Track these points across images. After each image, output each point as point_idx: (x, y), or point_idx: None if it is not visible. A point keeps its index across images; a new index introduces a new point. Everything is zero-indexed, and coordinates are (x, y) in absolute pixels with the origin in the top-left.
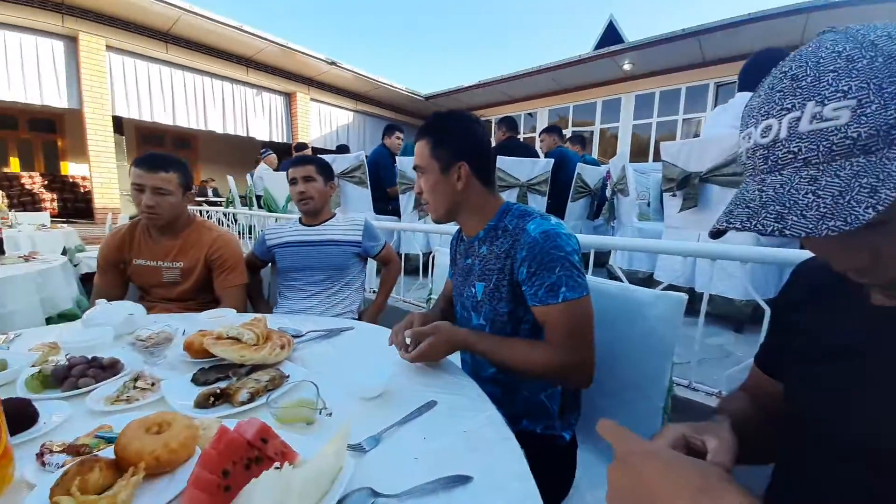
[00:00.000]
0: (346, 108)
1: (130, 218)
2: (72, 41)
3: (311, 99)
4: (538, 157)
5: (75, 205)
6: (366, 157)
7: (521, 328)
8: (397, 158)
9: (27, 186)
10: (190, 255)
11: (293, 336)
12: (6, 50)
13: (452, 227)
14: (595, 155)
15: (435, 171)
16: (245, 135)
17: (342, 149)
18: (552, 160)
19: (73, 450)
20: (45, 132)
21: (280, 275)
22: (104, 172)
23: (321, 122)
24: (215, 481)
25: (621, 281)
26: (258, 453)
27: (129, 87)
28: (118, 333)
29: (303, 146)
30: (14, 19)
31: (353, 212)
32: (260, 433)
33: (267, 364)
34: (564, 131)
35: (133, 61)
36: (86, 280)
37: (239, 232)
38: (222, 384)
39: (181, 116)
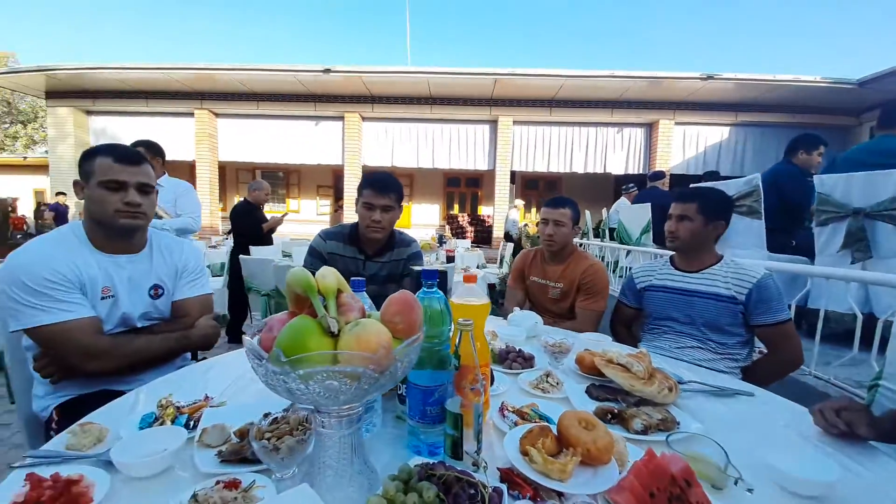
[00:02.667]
0: (720, 124)
1: (513, 244)
2: (493, 123)
3: (676, 123)
4: None
5: (482, 234)
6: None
7: None
8: (818, 178)
9: (459, 223)
10: (569, 278)
11: (677, 381)
12: (458, 136)
13: None
14: None
15: None
16: (602, 171)
17: (711, 175)
18: None
19: (520, 413)
20: (472, 187)
21: (647, 317)
22: (501, 212)
23: (685, 145)
24: (644, 496)
25: None
26: (680, 492)
27: (523, 147)
28: (528, 335)
29: (659, 175)
30: (458, 115)
31: (738, 248)
32: (684, 473)
33: (655, 402)
34: None
35: (526, 128)
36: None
37: None
38: (613, 405)
39: (553, 163)
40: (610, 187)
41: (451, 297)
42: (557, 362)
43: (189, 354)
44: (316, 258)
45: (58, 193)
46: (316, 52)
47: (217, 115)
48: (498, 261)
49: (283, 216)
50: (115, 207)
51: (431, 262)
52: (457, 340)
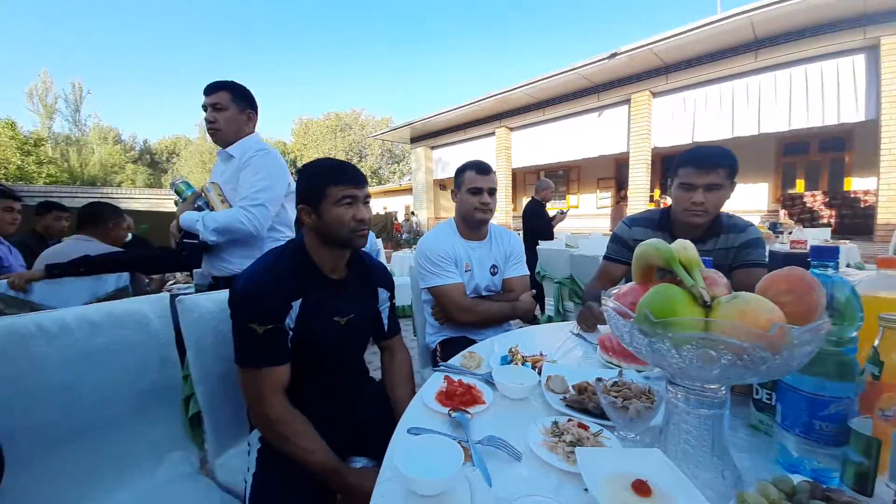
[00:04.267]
0: None
1: None
2: (872, 50)
3: None
4: None
5: (853, 221)
6: None
7: None
8: None
9: (808, 205)
10: None
11: None
12: (807, 81)
13: None
14: None
15: None
16: None
17: None
18: None
19: None
20: (832, 151)
21: None
22: (894, 184)
23: None
24: None
25: None
26: None
27: None
28: None
29: None
30: (814, 51)
31: None
32: None
33: None
34: None
35: None
36: None
37: None
38: None
39: None
40: None
41: (858, 285)
42: None
43: (510, 323)
44: (620, 245)
45: (412, 213)
46: (600, 39)
47: (511, 129)
48: None
49: (566, 212)
50: (475, 206)
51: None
52: (875, 342)
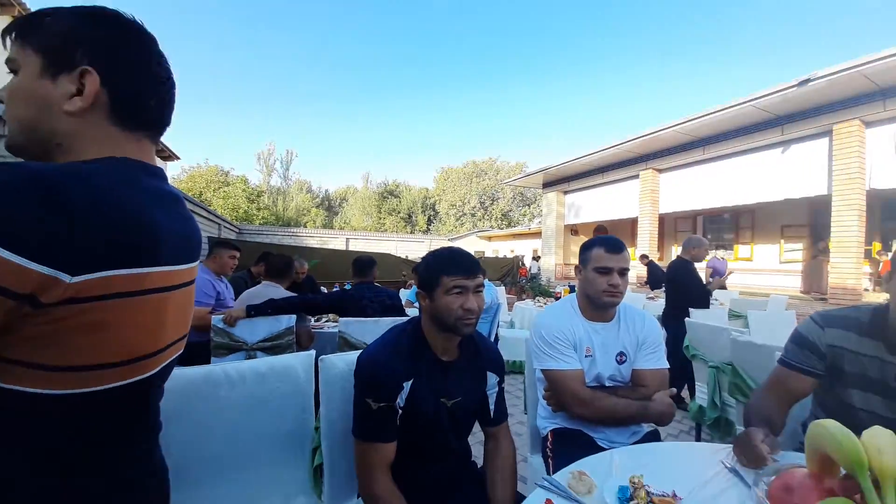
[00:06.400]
0: None
1: None
2: None
3: None
4: None
5: None
6: None
7: None
8: None
9: None
10: None
11: None
12: None
13: None
14: None
15: None
16: None
17: None
18: None
19: None
20: None
21: None
22: None
23: None
24: None
25: None
26: None
27: None
28: None
29: None
30: None
31: None
32: None
33: None
34: None
35: None
36: None
37: None
38: None
39: None
40: None
41: None
42: None
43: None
44: (806, 349)
45: (535, 258)
46: (784, 65)
47: (660, 171)
48: None
49: (729, 273)
50: (602, 289)
51: None
52: None
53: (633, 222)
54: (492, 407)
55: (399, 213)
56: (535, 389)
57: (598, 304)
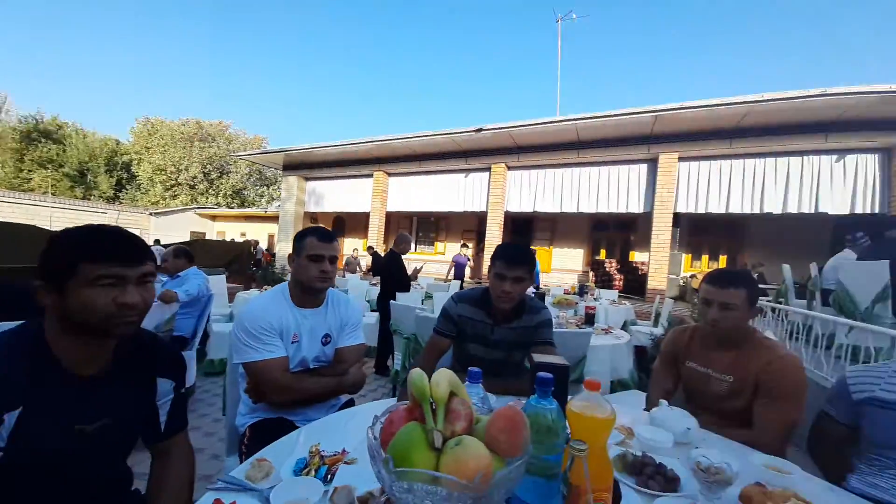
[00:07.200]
0: None
1: (674, 300)
2: (652, 162)
3: None
4: None
5: (633, 284)
6: None
7: None
8: None
9: (607, 269)
10: (741, 372)
11: None
12: (607, 178)
13: None
14: None
15: None
16: (813, 211)
17: None
18: None
19: None
20: (623, 231)
21: (866, 441)
22: (659, 259)
23: None
24: None
25: None
26: None
27: (691, 186)
28: (677, 441)
29: None
30: (608, 158)
31: None
32: None
33: None
34: None
35: (698, 164)
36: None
37: (788, 331)
38: None
39: (734, 203)
40: (825, 233)
41: (571, 402)
42: (712, 494)
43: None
44: (447, 320)
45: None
46: (471, 113)
47: (389, 174)
48: (652, 318)
49: (420, 268)
50: (314, 275)
51: (569, 318)
52: (568, 462)
53: (366, 216)
54: (163, 420)
55: (62, 166)
56: (237, 387)
57: (310, 290)
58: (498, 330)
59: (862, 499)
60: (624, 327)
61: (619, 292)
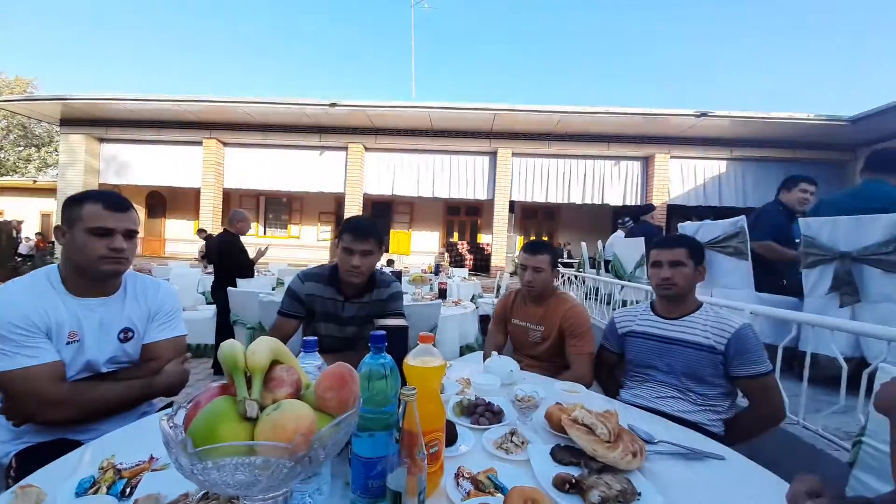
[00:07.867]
0: (716, 159)
1: (511, 275)
2: (493, 155)
3: (672, 157)
4: None
5: (480, 263)
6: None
7: None
8: (804, 221)
9: (459, 250)
10: (550, 321)
11: (644, 441)
12: (458, 166)
13: None
14: None
15: None
16: (600, 202)
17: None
18: None
19: (475, 482)
20: (472, 215)
21: (628, 363)
22: (499, 240)
23: (683, 178)
24: None
25: None
26: None
27: (522, 178)
28: (503, 383)
29: (650, 208)
30: (458, 147)
31: (727, 288)
32: None
33: (617, 468)
34: None
35: (527, 160)
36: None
37: (585, 293)
38: (575, 471)
39: (552, 194)
40: (608, 218)
41: (409, 356)
42: (525, 417)
43: (156, 400)
44: (293, 300)
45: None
46: (323, 85)
47: (225, 144)
48: (495, 290)
49: (265, 249)
50: (100, 254)
51: (424, 294)
52: (401, 409)
53: (197, 193)
54: None
55: None
56: None
57: (96, 275)
58: (349, 306)
59: (630, 405)
60: (472, 300)
61: (470, 270)
